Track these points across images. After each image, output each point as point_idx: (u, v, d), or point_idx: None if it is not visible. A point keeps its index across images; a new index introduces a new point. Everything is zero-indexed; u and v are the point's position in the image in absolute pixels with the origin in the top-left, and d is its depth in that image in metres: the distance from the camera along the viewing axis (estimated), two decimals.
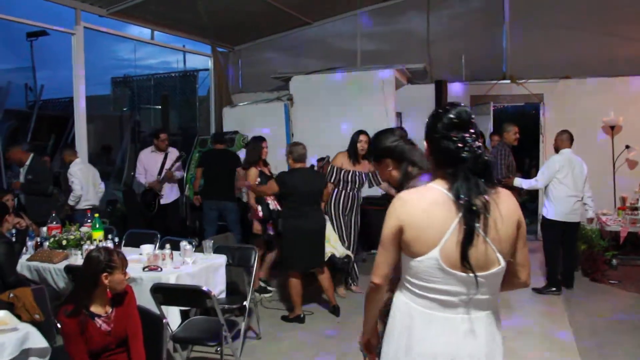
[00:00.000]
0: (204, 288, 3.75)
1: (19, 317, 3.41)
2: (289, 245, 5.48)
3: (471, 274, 1.89)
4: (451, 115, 1.98)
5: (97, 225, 5.05)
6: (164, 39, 9.57)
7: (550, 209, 6.42)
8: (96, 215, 5.25)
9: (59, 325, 3.06)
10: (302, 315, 5.57)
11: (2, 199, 5.76)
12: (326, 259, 5.69)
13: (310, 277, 5.85)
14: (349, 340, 4.86)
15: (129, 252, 5.05)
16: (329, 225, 5.86)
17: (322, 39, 10.27)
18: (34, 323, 3.39)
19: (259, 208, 6.18)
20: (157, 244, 5.31)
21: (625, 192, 8.11)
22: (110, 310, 3.03)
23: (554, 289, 6.41)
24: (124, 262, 3.03)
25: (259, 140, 6.69)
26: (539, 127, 9.31)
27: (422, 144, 2.14)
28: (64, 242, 4.84)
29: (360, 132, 6.23)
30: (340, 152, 6.33)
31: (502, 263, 1.96)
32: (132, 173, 10.38)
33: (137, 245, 5.25)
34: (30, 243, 5.10)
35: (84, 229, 5.09)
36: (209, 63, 10.43)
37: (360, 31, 10.08)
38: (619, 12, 8.72)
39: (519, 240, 2.02)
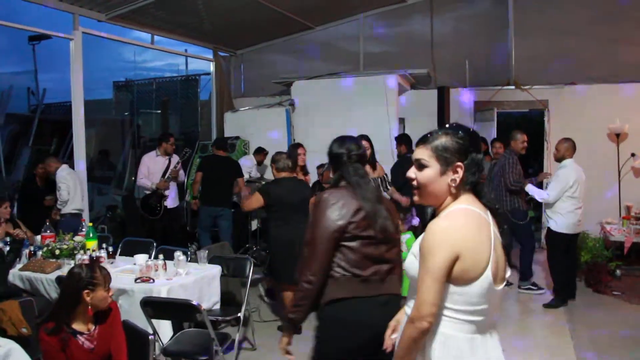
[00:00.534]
0: (194, 302, 3.68)
1: (4, 332, 3.34)
2: (277, 257, 5.34)
3: (503, 286, 1.96)
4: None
5: (91, 235, 4.99)
6: (165, 43, 9.53)
7: (560, 223, 6.20)
8: (90, 224, 5.18)
9: None
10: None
11: None
12: None
13: None
14: None
15: (123, 262, 5.04)
16: None
17: (325, 43, 10.19)
18: (20, 337, 3.32)
19: None
20: (153, 253, 5.24)
21: (631, 201, 7.98)
22: (94, 327, 2.96)
23: (562, 301, 6.29)
24: (107, 279, 2.96)
25: (296, 147, 6.48)
26: (543, 134, 9.20)
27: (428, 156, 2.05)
28: (57, 252, 4.77)
29: (362, 136, 6.03)
30: None
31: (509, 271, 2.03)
32: (133, 178, 10.34)
33: (133, 253, 5.17)
34: (23, 252, 5.02)
35: (77, 238, 5.02)
36: (211, 67, 10.38)
37: (363, 36, 10.01)
38: (625, 18, 8.60)
39: None
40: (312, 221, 2.75)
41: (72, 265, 4.64)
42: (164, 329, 4.11)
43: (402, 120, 9.28)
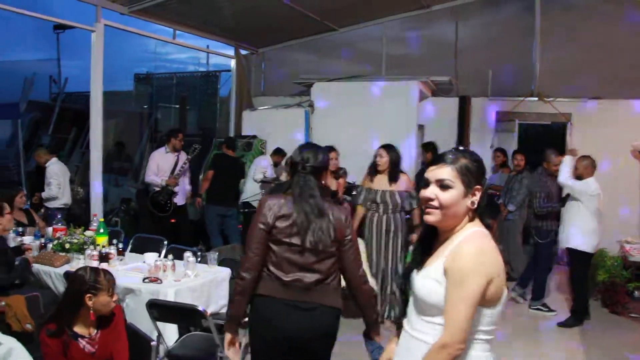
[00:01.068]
0: (200, 307, 3.62)
1: (9, 327, 3.31)
2: None
3: None
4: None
5: (102, 230, 4.96)
6: (187, 38, 9.50)
7: (589, 242, 6.00)
8: (101, 220, 5.15)
9: None
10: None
11: (14, 196, 5.73)
12: None
13: None
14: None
15: (133, 259, 5.00)
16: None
17: (347, 44, 10.08)
18: (23, 334, 3.29)
19: None
20: (163, 252, 5.20)
21: None
22: (95, 331, 2.91)
23: (578, 320, 6.13)
24: (111, 284, 2.90)
25: (326, 150, 6.29)
26: (564, 148, 9.03)
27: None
28: (67, 246, 4.74)
29: (381, 146, 5.75)
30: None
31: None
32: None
33: (144, 250, 5.12)
34: (35, 244, 5.01)
35: (88, 232, 4.99)
36: (232, 64, 10.33)
37: (386, 39, 9.90)
38: None
39: None
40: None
41: (81, 259, 4.63)
42: (170, 332, 4.06)
43: (421, 127, 9.17)
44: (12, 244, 4.91)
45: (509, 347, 5.27)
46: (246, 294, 2.83)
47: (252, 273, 2.79)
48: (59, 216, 5.69)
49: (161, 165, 7.33)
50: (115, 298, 2.93)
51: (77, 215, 7.85)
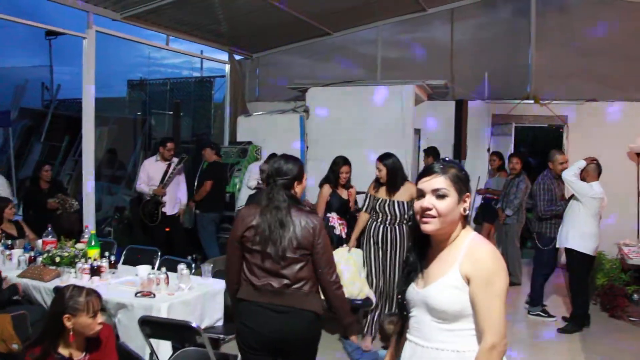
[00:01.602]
0: (194, 324, 3.52)
1: None
2: None
3: None
4: None
5: (93, 242, 4.85)
6: (180, 43, 9.41)
7: (590, 245, 5.94)
8: (92, 232, 5.05)
9: None
10: None
11: (3, 208, 5.63)
12: None
13: None
14: None
15: (125, 272, 4.89)
16: (353, 261, 5.36)
17: (342, 48, 10.00)
18: (10, 355, 3.19)
19: None
20: (157, 264, 5.11)
21: None
22: (83, 354, 2.79)
23: (578, 326, 6.07)
24: (93, 305, 2.77)
25: (339, 163, 5.97)
26: (562, 150, 8.98)
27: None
28: (57, 259, 4.62)
29: (377, 158, 5.44)
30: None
31: None
32: None
33: (137, 262, 5.02)
34: (23, 257, 4.89)
35: (79, 245, 4.87)
36: (226, 69, 10.24)
37: (381, 43, 9.82)
38: None
39: None
40: None
41: (72, 273, 4.53)
42: (164, 347, 3.96)
43: (417, 131, 9.10)
44: None
45: (507, 354, 5.18)
46: (232, 298, 3.22)
47: (233, 278, 3.14)
48: None
49: (151, 174, 7.24)
50: (99, 320, 2.81)
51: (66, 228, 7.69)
